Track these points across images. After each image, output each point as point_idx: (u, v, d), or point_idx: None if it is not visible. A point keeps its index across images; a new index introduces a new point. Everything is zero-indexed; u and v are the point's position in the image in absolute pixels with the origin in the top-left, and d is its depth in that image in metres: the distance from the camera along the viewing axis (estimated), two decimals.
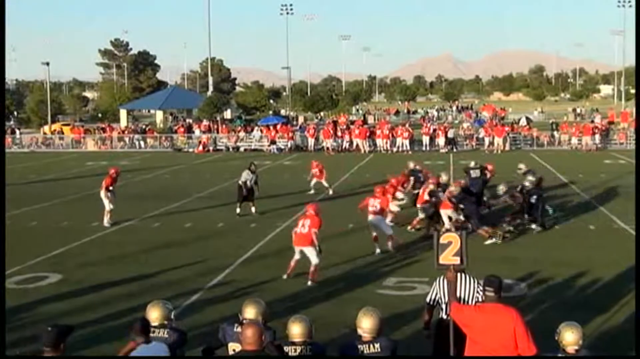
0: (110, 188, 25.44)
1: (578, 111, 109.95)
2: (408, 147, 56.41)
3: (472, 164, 27.42)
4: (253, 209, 26.58)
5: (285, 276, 17.49)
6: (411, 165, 28.25)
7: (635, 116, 56.06)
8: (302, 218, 17.97)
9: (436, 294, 10.00)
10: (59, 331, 7.63)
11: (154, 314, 8.80)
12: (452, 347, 9.02)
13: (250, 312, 8.70)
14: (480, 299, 9.45)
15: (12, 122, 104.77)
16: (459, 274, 9.70)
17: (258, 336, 7.36)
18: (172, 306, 9.23)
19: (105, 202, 25.15)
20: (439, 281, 9.98)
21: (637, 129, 51.81)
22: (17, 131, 78.34)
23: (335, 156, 53.76)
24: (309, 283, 17.07)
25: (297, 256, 17.55)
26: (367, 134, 58.61)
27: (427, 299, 10.19)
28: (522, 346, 8.01)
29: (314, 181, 32.95)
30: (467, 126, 71.65)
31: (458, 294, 9.53)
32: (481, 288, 9.42)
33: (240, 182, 26.97)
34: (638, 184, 17.14)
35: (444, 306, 9.83)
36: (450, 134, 58.37)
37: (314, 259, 17.21)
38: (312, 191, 32.04)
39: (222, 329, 8.82)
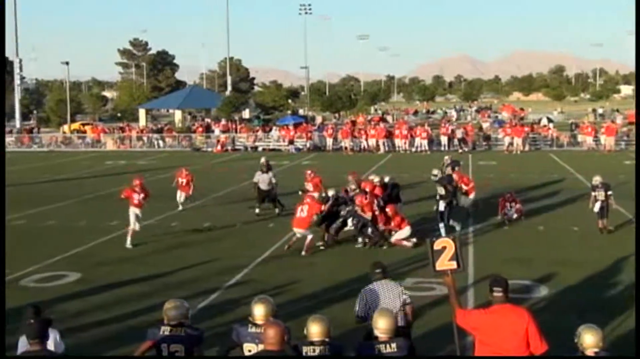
0: (136, 202, 21.97)
1: (599, 111, 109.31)
2: (427, 147, 56.28)
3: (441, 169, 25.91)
4: (276, 210, 26.58)
5: (286, 247, 20.36)
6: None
7: (635, 116, 55.70)
8: (300, 204, 20.80)
9: (365, 304, 10.19)
10: (41, 323, 7.78)
11: (172, 314, 8.80)
12: (457, 342, 9.02)
13: (259, 311, 8.68)
14: (407, 301, 10.29)
15: (31, 121, 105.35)
16: (381, 282, 10.40)
17: (281, 336, 7.42)
18: (190, 305, 9.23)
19: (132, 219, 21.87)
20: (365, 291, 10.37)
21: (637, 129, 51.49)
22: (35, 130, 78.75)
23: (353, 156, 53.74)
24: (303, 252, 19.99)
25: (297, 236, 20.45)
26: (385, 134, 58.53)
27: (358, 311, 10.33)
28: (534, 345, 7.98)
29: (180, 195, 28.70)
30: (486, 126, 71.51)
31: (382, 301, 10.00)
32: (405, 291, 10.46)
33: (253, 181, 27.15)
34: (638, 184, 17.01)
35: (370, 310, 9.87)
36: (459, 134, 58.22)
37: (310, 236, 20.31)
38: (179, 208, 28.29)
39: (235, 329, 8.80)
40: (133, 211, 21.93)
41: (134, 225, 21.78)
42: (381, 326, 8.09)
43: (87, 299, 16.05)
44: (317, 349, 8.17)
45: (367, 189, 22.03)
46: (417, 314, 10.82)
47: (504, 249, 20.50)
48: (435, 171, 24.59)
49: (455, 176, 24.52)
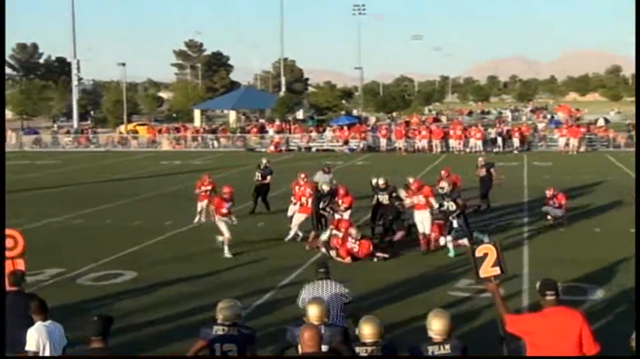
0: (224, 211, 21.06)
1: None
2: (481, 148, 55.90)
3: (381, 181, 22.71)
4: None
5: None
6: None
7: (635, 116, 54.70)
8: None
9: (304, 300, 10.55)
10: (105, 320, 7.94)
11: (226, 313, 8.84)
12: (505, 350, 8.93)
13: (313, 311, 8.69)
14: (345, 301, 10.65)
15: (88, 122, 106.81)
16: (323, 281, 10.86)
17: (317, 338, 7.46)
18: (243, 305, 9.27)
19: (223, 228, 20.85)
20: (308, 288, 10.83)
21: (637, 129, 50.50)
22: (90, 131, 79.79)
23: (407, 157, 53.58)
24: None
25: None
26: (441, 134, 58.30)
27: (299, 304, 10.74)
28: (587, 346, 7.87)
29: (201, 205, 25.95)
30: (542, 127, 70.86)
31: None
32: (345, 291, 10.80)
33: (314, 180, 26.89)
34: (638, 184, 16.68)
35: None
36: (493, 134, 57.71)
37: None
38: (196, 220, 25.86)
39: (290, 330, 8.82)
40: (221, 220, 20.85)
41: (227, 234, 20.68)
42: (435, 327, 8.05)
43: (141, 298, 16.21)
44: (370, 350, 8.18)
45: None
46: (467, 315, 10.76)
47: (559, 251, 20.25)
48: (443, 184, 20.94)
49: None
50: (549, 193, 24.72)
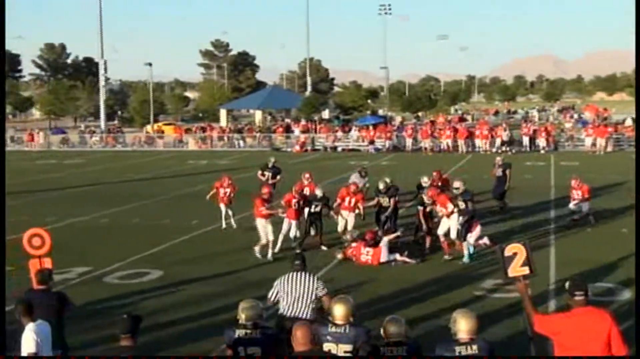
0: (264, 212, 20.35)
1: None
2: (507, 148, 55.65)
3: (381, 185, 22.46)
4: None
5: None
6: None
7: (635, 116, 54.17)
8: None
9: (277, 290, 10.94)
10: (133, 318, 7.98)
11: (248, 314, 8.86)
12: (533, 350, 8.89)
13: (339, 311, 8.68)
14: (319, 295, 10.78)
15: (115, 122, 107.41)
16: (295, 273, 10.99)
17: (309, 336, 7.47)
18: (266, 305, 9.27)
19: (262, 230, 20.36)
20: (280, 279, 11.03)
21: (637, 129, 49.98)
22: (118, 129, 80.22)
23: (433, 156, 53.45)
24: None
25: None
26: (466, 134, 58.08)
27: (270, 296, 11.02)
28: (616, 348, 7.79)
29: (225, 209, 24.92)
30: (569, 127, 70.49)
31: (294, 293, 10.76)
32: (319, 284, 10.94)
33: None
34: (638, 184, 16.48)
35: (282, 301, 10.81)
36: (505, 137, 57.37)
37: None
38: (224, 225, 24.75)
39: (315, 329, 8.80)
40: (261, 222, 20.34)
41: (265, 238, 20.21)
42: (462, 327, 8.02)
43: (167, 297, 16.28)
44: (394, 350, 8.18)
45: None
46: (493, 315, 10.72)
47: (586, 252, 20.11)
48: (457, 184, 20.31)
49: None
50: (574, 183, 24.66)
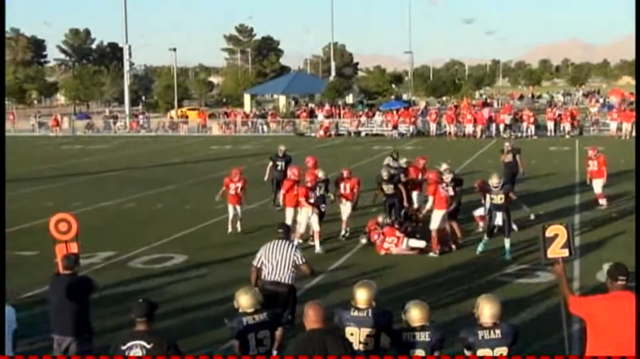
0: (311, 200, 19.49)
1: None
2: (533, 132, 55.38)
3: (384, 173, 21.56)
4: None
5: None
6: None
7: (635, 115, 53.58)
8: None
9: (260, 256, 11.93)
10: (149, 304, 8.05)
11: (246, 301, 8.99)
12: (566, 330, 8.86)
13: (362, 295, 8.72)
14: (297, 263, 11.85)
15: (140, 107, 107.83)
16: (279, 241, 11.97)
17: (321, 314, 7.61)
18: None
19: (314, 219, 19.38)
20: (266, 246, 12.02)
21: (637, 128, 49.37)
22: (145, 113, 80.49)
23: (457, 141, 53.27)
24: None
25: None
26: (488, 119, 57.72)
27: (254, 262, 11.96)
28: None
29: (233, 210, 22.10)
30: (594, 111, 69.97)
31: (275, 260, 11.75)
32: (297, 254, 11.90)
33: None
34: (638, 183, 16.32)
35: (264, 268, 11.83)
36: (508, 121, 56.99)
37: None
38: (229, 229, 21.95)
39: (338, 313, 8.83)
40: (307, 212, 19.43)
41: (317, 226, 19.28)
42: (486, 311, 8.04)
43: (192, 281, 16.37)
44: (417, 335, 8.20)
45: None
46: (517, 301, 10.64)
47: (611, 236, 19.97)
48: (495, 180, 18.37)
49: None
50: (591, 152, 24.58)
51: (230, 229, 21.68)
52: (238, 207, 21.77)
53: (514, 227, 19.50)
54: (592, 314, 7.87)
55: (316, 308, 7.68)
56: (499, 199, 18.14)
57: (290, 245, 12.01)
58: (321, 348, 7.40)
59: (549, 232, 9.02)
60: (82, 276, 10.77)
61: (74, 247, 11.63)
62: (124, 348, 7.73)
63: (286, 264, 11.77)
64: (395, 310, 8.94)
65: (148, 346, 7.69)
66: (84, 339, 9.99)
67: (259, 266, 11.88)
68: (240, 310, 8.97)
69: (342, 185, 21.27)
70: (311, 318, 7.61)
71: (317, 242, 19.06)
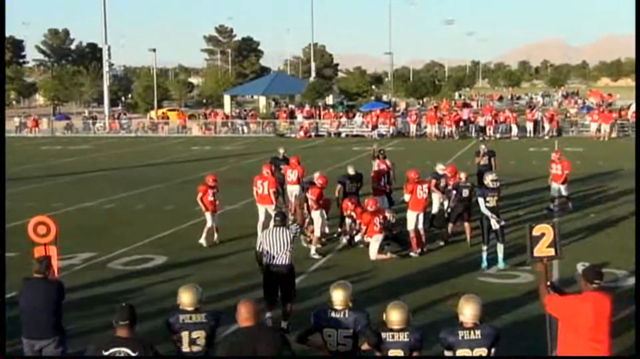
0: (322, 202, 19.54)
1: None
2: (516, 133, 55.54)
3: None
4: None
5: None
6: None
7: (635, 114, 54.02)
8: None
9: (260, 243, 13.00)
10: (132, 308, 8.01)
11: (188, 299, 8.96)
12: (549, 330, 8.91)
13: (338, 296, 8.79)
14: (295, 248, 13.14)
15: (119, 108, 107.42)
16: (277, 228, 13.01)
17: (253, 311, 7.67)
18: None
19: (324, 221, 19.48)
20: (264, 233, 13.32)
21: (637, 127, 49.85)
22: (126, 114, 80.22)
23: (437, 142, 53.41)
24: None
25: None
26: (461, 120, 57.89)
27: (257, 247, 13.08)
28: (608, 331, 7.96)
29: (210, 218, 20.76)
30: (573, 112, 70.36)
31: (275, 245, 12.77)
32: (293, 237, 13.02)
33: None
34: (638, 183, 16.49)
35: (266, 253, 12.85)
36: (482, 122, 57.32)
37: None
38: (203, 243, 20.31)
39: (315, 316, 8.87)
40: (321, 213, 19.32)
41: (319, 230, 19.14)
42: (467, 312, 8.09)
43: (172, 283, 16.27)
44: (396, 335, 8.24)
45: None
46: (497, 302, 10.72)
47: (590, 237, 20.13)
48: (492, 177, 17.81)
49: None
50: (554, 156, 24.56)
51: (204, 243, 20.08)
52: (215, 217, 20.67)
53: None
54: (568, 315, 8.02)
55: (248, 305, 7.74)
56: (494, 201, 17.33)
57: (287, 231, 13.02)
58: (253, 344, 7.48)
59: (536, 232, 9.08)
60: (53, 280, 10.59)
61: (52, 251, 11.54)
62: (106, 353, 7.64)
63: (284, 248, 12.83)
64: (376, 311, 8.97)
65: (133, 354, 7.63)
66: (57, 342, 9.86)
67: (260, 250, 12.93)
68: (181, 307, 8.97)
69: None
70: (243, 314, 7.66)
71: (312, 248, 18.83)
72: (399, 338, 8.24)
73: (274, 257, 12.84)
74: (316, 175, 20.98)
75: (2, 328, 8.65)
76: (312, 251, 18.73)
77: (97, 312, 13.31)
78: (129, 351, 7.63)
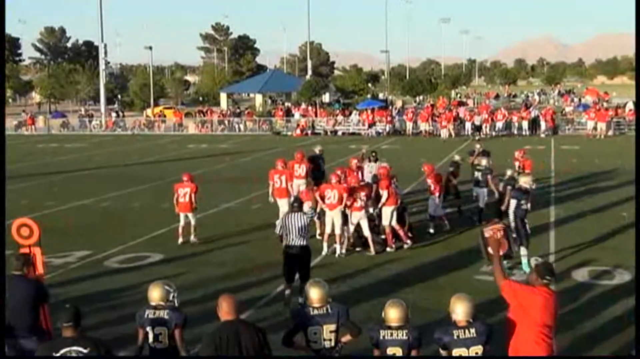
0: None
1: None
2: (479, 133, 55.32)
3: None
4: None
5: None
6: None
7: (635, 113, 54.11)
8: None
9: (281, 227, 14.39)
10: (77, 309, 8.09)
11: (155, 295, 9.16)
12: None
13: (314, 294, 8.86)
14: (305, 233, 14.37)
15: (116, 105, 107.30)
16: (295, 213, 14.48)
17: (234, 306, 7.96)
18: (267, 289, 9.31)
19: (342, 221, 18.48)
20: (283, 218, 14.67)
21: (637, 126, 49.93)
22: (120, 114, 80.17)
23: (432, 140, 53.41)
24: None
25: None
26: (451, 119, 57.72)
27: (277, 231, 14.63)
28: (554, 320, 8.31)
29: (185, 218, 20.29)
30: (570, 110, 70.41)
31: (293, 228, 14.15)
32: (308, 219, 14.54)
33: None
34: (638, 183, 16.54)
35: (285, 236, 14.27)
36: (477, 121, 57.33)
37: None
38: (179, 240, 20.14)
39: (299, 315, 8.91)
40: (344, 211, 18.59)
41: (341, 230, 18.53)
42: (460, 310, 8.10)
43: (169, 280, 16.24)
44: (395, 334, 8.24)
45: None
46: (494, 300, 10.73)
47: (586, 235, 20.10)
48: (528, 179, 18.03)
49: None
50: (518, 154, 24.34)
51: (180, 239, 19.96)
52: (190, 215, 20.07)
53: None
54: (520, 304, 8.28)
55: (229, 300, 7.99)
56: (528, 205, 17.00)
57: (304, 216, 14.47)
58: (235, 338, 7.71)
59: (487, 233, 9.69)
60: (32, 278, 10.40)
61: (37, 252, 11.43)
62: (57, 355, 7.69)
63: (303, 231, 14.26)
64: (374, 309, 8.97)
65: (85, 351, 7.71)
66: (34, 342, 9.57)
67: (280, 233, 14.41)
68: (149, 303, 9.11)
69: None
70: (224, 309, 7.92)
71: (338, 247, 18.46)
72: (397, 335, 8.24)
73: (292, 239, 14.22)
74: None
75: (2, 329, 8.57)
76: (338, 250, 18.33)
77: (92, 310, 13.29)
78: (81, 349, 7.72)
